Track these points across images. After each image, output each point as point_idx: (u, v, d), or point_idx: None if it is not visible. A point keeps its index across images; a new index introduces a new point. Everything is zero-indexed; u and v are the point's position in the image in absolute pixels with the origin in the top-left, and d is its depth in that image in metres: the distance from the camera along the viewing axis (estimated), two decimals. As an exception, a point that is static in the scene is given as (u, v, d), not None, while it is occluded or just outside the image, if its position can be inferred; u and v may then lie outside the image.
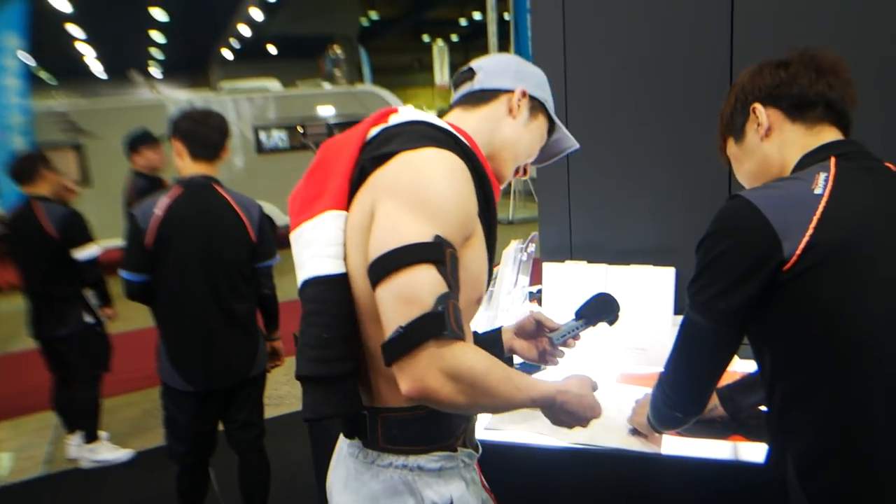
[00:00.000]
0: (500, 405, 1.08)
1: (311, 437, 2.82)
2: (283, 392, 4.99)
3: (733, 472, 1.46)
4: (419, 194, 1.03)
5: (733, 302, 1.09)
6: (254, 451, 2.91)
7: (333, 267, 1.10)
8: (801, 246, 1.04)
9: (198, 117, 2.64)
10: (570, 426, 1.22)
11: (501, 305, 2.18)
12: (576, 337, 1.52)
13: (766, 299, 1.08)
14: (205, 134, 2.61)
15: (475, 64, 1.34)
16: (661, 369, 1.97)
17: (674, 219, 2.19)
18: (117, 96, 13.57)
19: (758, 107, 1.24)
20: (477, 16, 23.53)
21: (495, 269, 2.34)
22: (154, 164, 4.65)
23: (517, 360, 1.63)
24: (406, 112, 1.22)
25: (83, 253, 3.58)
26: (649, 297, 2.07)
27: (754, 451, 1.46)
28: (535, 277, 2.36)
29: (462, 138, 1.17)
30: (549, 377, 1.29)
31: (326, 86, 13.13)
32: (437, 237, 1.00)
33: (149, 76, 26.56)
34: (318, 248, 1.11)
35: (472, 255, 1.12)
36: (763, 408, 1.53)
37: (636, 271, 2.10)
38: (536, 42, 2.53)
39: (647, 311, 2.06)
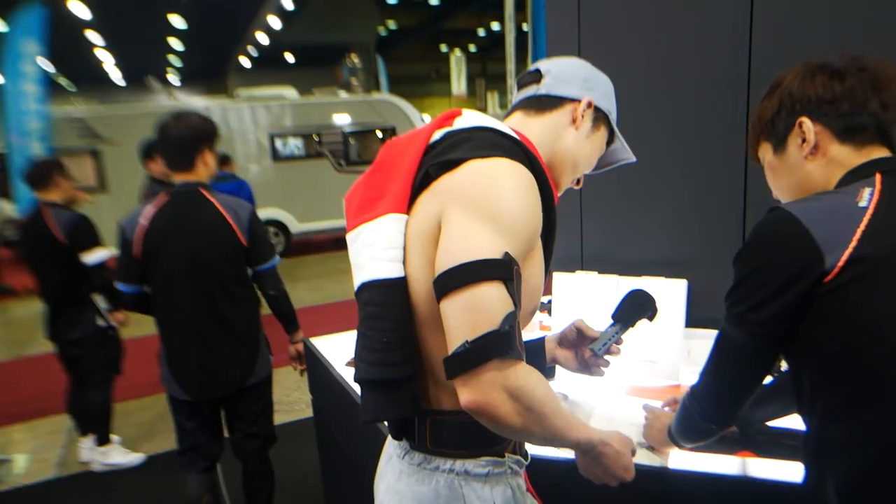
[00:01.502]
0: (548, 436, 1.07)
1: (319, 444, 2.83)
2: (293, 398, 4.99)
3: (741, 487, 1.44)
4: (491, 207, 1.02)
5: (769, 314, 1.06)
6: (257, 461, 2.88)
7: (394, 270, 1.09)
8: (844, 258, 1.00)
9: (164, 128, 2.53)
10: (598, 479, 1.22)
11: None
12: (618, 342, 1.49)
13: (804, 312, 1.04)
14: (174, 145, 2.52)
15: (543, 66, 1.32)
16: (672, 382, 1.97)
17: (687, 231, 2.18)
18: (135, 103, 13.71)
19: (806, 122, 1.17)
20: (495, 26, 23.64)
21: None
22: (166, 171, 4.71)
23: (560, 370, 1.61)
24: (471, 116, 1.20)
25: (91, 257, 3.60)
26: (660, 309, 2.05)
27: (762, 468, 1.45)
28: (546, 288, 2.35)
29: (527, 147, 1.16)
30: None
31: (343, 94, 13.19)
32: (507, 254, 0.99)
33: (167, 83, 26.81)
34: (377, 251, 1.10)
35: (532, 268, 1.12)
36: (772, 423, 1.52)
37: (648, 283, 2.09)
38: (551, 53, 2.53)
39: (658, 324, 2.04)
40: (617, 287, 2.13)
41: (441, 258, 1.02)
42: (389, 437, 1.30)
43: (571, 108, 1.27)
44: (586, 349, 1.50)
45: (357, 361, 1.14)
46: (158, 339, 2.65)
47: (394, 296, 1.09)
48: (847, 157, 1.14)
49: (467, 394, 0.98)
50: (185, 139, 2.51)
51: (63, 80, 23.50)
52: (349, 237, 1.18)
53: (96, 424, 4.00)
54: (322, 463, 2.85)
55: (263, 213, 10.99)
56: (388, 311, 1.09)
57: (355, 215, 1.18)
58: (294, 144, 11.59)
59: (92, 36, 19.86)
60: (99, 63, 24.22)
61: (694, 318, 2.07)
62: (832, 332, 1.03)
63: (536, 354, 1.52)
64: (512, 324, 0.97)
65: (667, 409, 1.63)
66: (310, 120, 11.67)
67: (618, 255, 2.29)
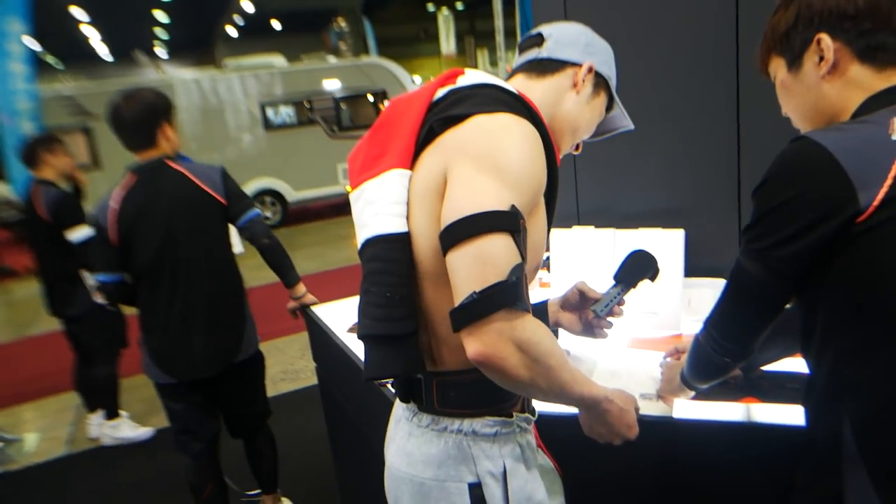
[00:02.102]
0: (555, 390, 1.06)
1: (325, 412, 2.84)
2: (298, 367, 5.03)
3: (746, 433, 1.44)
4: (497, 160, 1.02)
5: (792, 252, 1.01)
6: (256, 437, 2.88)
7: (399, 225, 1.09)
8: (880, 197, 0.94)
9: (116, 110, 2.44)
10: (602, 437, 1.22)
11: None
12: (620, 303, 1.48)
13: (831, 252, 0.99)
14: (130, 124, 2.43)
15: (545, 30, 1.31)
16: (673, 332, 1.97)
17: (682, 181, 2.16)
18: (124, 77, 13.54)
19: (825, 39, 1.07)
20: (482, -18, 23.25)
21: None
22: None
23: (563, 333, 1.61)
24: (474, 75, 1.20)
25: (75, 234, 3.55)
26: (659, 260, 2.04)
27: (767, 413, 1.45)
28: (544, 244, 2.34)
29: (530, 106, 1.16)
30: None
31: (332, 59, 13.07)
32: (513, 207, 0.99)
33: (154, 56, 26.49)
34: (382, 207, 1.10)
35: (536, 224, 1.12)
36: (771, 367, 1.52)
37: (645, 235, 2.08)
38: (536, 7, 2.49)
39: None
40: (614, 241, 2.12)
41: (448, 210, 1.02)
42: (397, 401, 1.30)
43: (573, 73, 1.27)
44: (589, 311, 1.50)
45: (361, 318, 1.14)
46: (138, 324, 2.58)
47: (398, 251, 1.09)
48: (867, 79, 1.07)
49: (474, 345, 0.97)
50: (141, 117, 2.43)
51: (50, 58, 23.21)
52: (352, 196, 1.17)
53: (104, 399, 4.04)
54: (329, 430, 2.87)
55: (258, 184, 10.96)
56: (392, 267, 1.09)
57: (358, 173, 1.17)
58: (285, 113, 11.50)
59: (76, 12, 19.55)
60: (85, 39, 23.88)
61: (692, 268, 2.06)
62: (859, 273, 0.99)
63: (540, 317, 1.50)
64: (519, 275, 0.97)
65: (669, 359, 1.62)
66: (300, 87, 11.56)
67: (614, 209, 2.27)
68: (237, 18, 24.62)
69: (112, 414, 4.06)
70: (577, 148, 1.38)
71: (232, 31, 26.52)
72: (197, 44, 27.23)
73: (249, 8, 22.55)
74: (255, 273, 2.73)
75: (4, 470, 3.97)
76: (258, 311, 2.80)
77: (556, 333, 1.57)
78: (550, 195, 1.18)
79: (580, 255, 2.16)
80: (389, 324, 1.09)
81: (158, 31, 25.68)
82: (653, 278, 1.50)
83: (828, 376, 1.07)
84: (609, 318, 1.49)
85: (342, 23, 19.62)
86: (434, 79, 1.22)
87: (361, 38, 20.89)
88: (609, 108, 1.38)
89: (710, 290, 2.03)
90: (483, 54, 22.68)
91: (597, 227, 2.17)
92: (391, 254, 1.09)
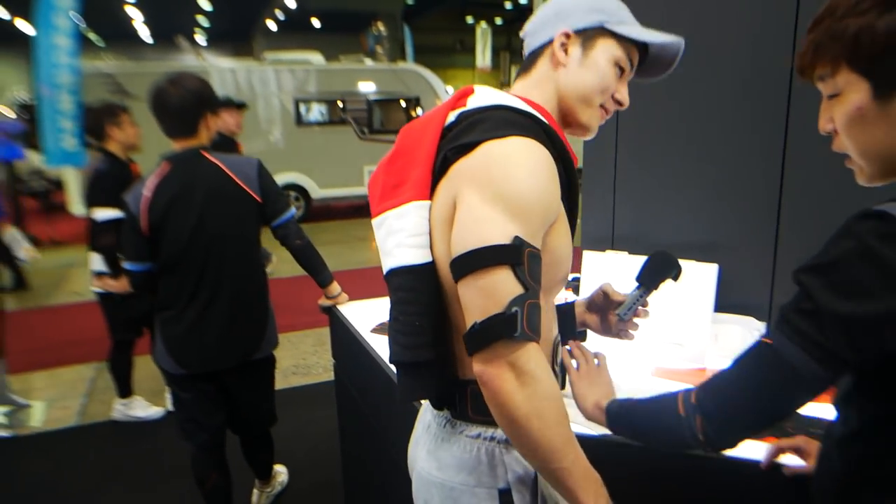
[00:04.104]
0: (543, 442, 1.00)
1: (339, 409, 2.86)
2: (310, 362, 5.06)
3: (763, 474, 1.44)
4: (502, 190, 1.03)
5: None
6: (254, 439, 2.89)
7: (421, 256, 1.13)
8: None
9: (161, 94, 2.42)
10: None
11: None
12: (644, 305, 1.48)
13: None
14: (175, 111, 2.42)
15: (523, 31, 1.31)
16: (698, 366, 1.98)
17: (720, 215, 2.17)
18: (164, 61, 13.70)
19: None
20: (522, -1, 23.34)
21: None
22: (230, 128, 5.02)
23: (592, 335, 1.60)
24: (484, 94, 1.21)
25: (99, 213, 3.44)
26: (690, 292, 2.05)
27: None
28: (575, 266, 2.35)
29: (539, 115, 1.16)
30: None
31: (368, 62, 13.14)
32: (517, 238, 1.01)
33: (194, 43, 26.79)
34: (403, 238, 1.14)
35: (556, 239, 1.13)
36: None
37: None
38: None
39: (687, 307, 2.04)
40: (647, 268, 2.13)
41: (454, 242, 1.06)
42: (425, 406, 1.34)
43: (549, 52, 1.23)
44: (613, 314, 1.50)
45: (391, 344, 1.19)
46: (155, 312, 2.55)
47: (422, 280, 1.14)
48: None
49: (477, 365, 1.02)
50: (187, 104, 2.42)
51: (92, 35, 23.52)
52: (374, 222, 1.21)
53: (116, 380, 4.08)
54: (341, 427, 2.89)
55: (284, 178, 11.03)
56: (417, 296, 1.14)
57: (378, 201, 1.21)
58: (318, 110, 11.58)
59: (121, -8, 19.85)
60: (129, 19, 24.20)
61: (723, 304, 2.07)
62: None
63: (567, 318, 1.53)
64: (520, 306, 1.00)
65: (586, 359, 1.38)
66: (334, 86, 11.64)
67: (649, 236, 2.28)
68: (278, 13, 24.86)
69: (125, 393, 4.11)
70: (607, 112, 1.26)
71: (272, 26, 26.78)
72: (237, 35, 27.53)
73: (291, 4, 22.77)
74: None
75: (14, 434, 4.02)
76: (273, 305, 2.79)
77: (584, 335, 1.58)
78: (571, 204, 1.19)
79: (612, 280, 2.17)
80: (418, 351, 1.15)
81: (200, 18, 25.98)
82: (675, 278, 1.48)
83: (861, 435, 0.97)
84: (635, 320, 1.48)
85: (381, 27, 19.76)
86: (444, 101, 1.24)
87: (398, 44, 21.02)
88: (632, 42, 1.23)
89: (739, 326, 2.04)
90: (517, 70, 22.75)
91: (630, 253, 2.18)
92: (415, 284, 1.14)
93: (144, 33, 27.07)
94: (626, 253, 2.19)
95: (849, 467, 0.99)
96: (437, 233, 1.13)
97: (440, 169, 1.14)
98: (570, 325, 1.53)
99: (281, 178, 10.98)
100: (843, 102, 0.93)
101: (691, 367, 1.97)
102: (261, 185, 2.52)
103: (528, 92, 1.23)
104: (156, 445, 3.83)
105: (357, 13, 22.33)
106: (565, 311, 1.53)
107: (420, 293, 1.14)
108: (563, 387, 1.33)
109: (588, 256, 2.23)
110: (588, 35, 1.21)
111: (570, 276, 2.41)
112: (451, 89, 14.45)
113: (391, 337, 1.20)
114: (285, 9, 23.77)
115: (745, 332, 2.01)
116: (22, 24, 19.67)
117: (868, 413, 0.95)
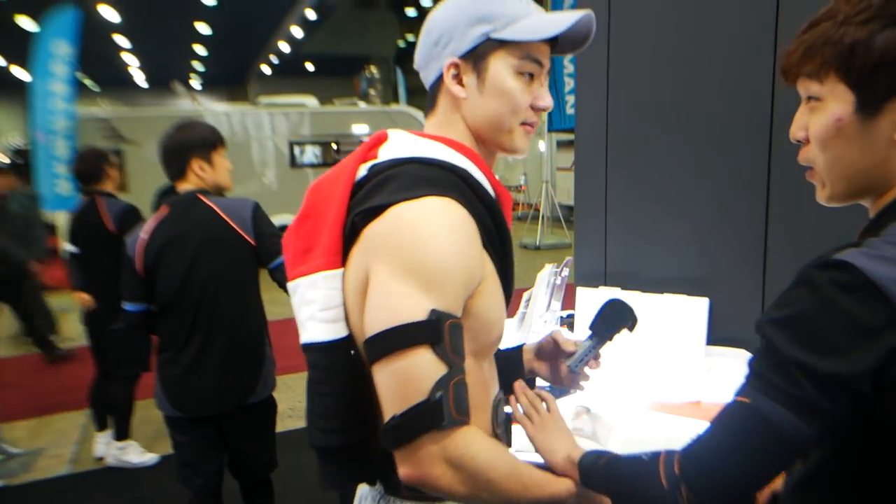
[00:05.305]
0: (501, 501, 0.97)
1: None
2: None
3: None
4: (414, 261, 0.93)
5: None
6: (255, 487, 2.83)
7: (333, 332, 1.02)
8: None
9: (164, 139, 2.54)
10: None
11: (534, 328, 2.19)
12: (596, 357, 1.35)
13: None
14: (164, 154, 2.52)
15: (416, 63, 1.15)
16: (693, 399, 1.98)
17: (710, 251, 2.20)
18: (159, 106, 13.84)
19: None
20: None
21: (528, 292, 2.36)
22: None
23: (541, 382, 1.54)
24: (398, 141, 1.09)
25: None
26: (682, 326, 2.07)
27: None
28: (569, 302, 2.37)
29: (457, 160, 1.05)
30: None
31: (362, 104, 13.30)
32: (434, 312, 0.91)
33: (190, 88, 27.09)
34: (314, 311, 1.03)
35: (484, 302, 1.02)
36: None
37: (669, 300, 2.10)
38: (581, 72, 2.56)
39: (679, 341, 2.06)
40: (640, 304, 2.13)
41: (366, 322, 0.96)
42: None
43: (444, 88, 1.09)
44: (563, 364, 1.37)
45: (308, 425, 1.08)
46: (155, 354, 2.58)
47: (336, 358, 1.03)
48: None
49: (403, 468, 0.93)
50: (172, 149, 2.51)
51: (88, 81, 23.78)
52: (289, 286, 1.08)
53: (117, 418, 4.04)
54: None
55: (279, 219, 10.97)
56: (331, 375, 1.04)
57: (291, 266, 1.09)
58: (312, 152, 11.68)
59: (118, 39, 20.12)
60: (123, 65, 24.50)
61: (715, 337, 2.08)
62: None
63: (514, 364, 1.40)
64: (445, 389, 0.90)
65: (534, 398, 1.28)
66: (328, 129, 11.76)
67: (641, 273, 2.30)
68: (272, 58, 25.21)
69: (122, 435, 4.07)
70: (531, 127, 1.12)
71: (266, 70, 27.12)
72: (232, 79, 27.88)
73: (285, 48, 23.11)
74: (267, 308, 2.74)
75: (5, 484, 3.96)
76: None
77: (532, 382, 1.44)
78: (502, 257, 1.09)
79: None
80: (335, 436, 1.04)
81: (196, 63, 26.31)
82: (631, 328, 1.35)
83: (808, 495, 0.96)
84: (587, 370, 1.37)
85: (374, 70, 20.01)
86: (356, 151, 1.09)
87: (391, 86, 21.28)
88: (531, 45, 1.06)
89: (732, 359, 2.05)
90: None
91: (623, 289, 2.20)
92: (328, 362, 1.03)
93: (140, 78, 27.37)
94: (619, 289, 2.21)
95: None
96: (352, 303, 1.02)
97: (350, 234, 1.02)
98: (518, 372, 1.40)
99: (276, 220, 10.75)
100: (824, 111, 0.89)
101: (686, 400, 1.97)
102: (255, 227, 2.54)
103: (442, 131, 1.11)
104: (149, 493, 3.78)
105: (350, 57, 22.63)
106: (512, 358, 1.41)
107: (334, 372, 1.03)
108: (509, 444, 1.22)
109: (581, 293, 2.24)
110: (478, 55, 1.06)
111: (565, 313, 2.43)
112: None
113: (307, 418, 1.08)
114: (279, 53, 24.11)
115: (737, 364, 2.02)
116: (18, 71, 19.89)
117: (823, 458, 0.92)
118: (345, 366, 1.01)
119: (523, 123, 1.09)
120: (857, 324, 0.78)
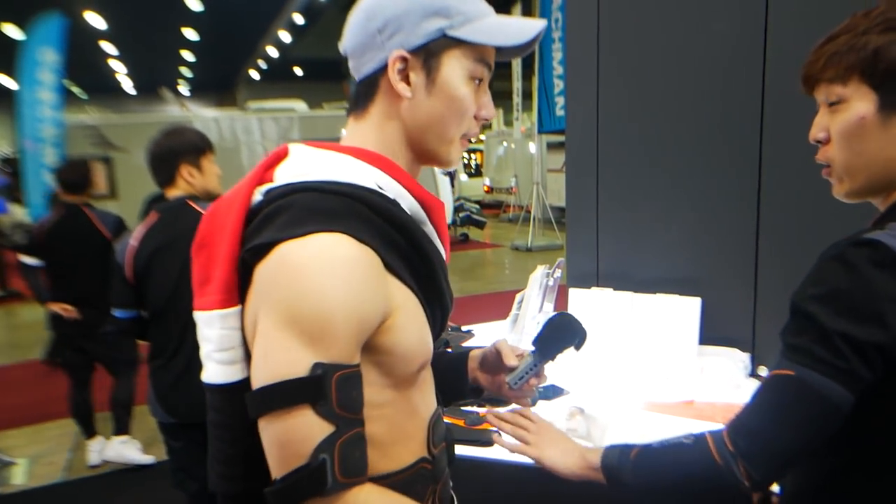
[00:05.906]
0: None
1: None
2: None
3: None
4: (295, 309, 0.83)
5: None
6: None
7: (228, 374, 0.94)
8: None
9: (152, 145, 2.52)
10: None
11: (527, 329, 2.20)
12: (537, 375, 1.22)
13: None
14: (151, 160, 2.52)
15: (342, 46, 1.01)
16: (686, 398, 1.99)
17: (701, 251, 2.22)
18: (147, 112, 13.81)
19: None
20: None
21: (520, 294, 2.38)
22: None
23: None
24: (297, 160, 0.97)
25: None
26: (674, 326, 2.09)
27: None
28: (561, 303, 2.39)
29: (360, 182, 0.92)
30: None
31: (351, 108, 13.29)
32: (318, 366, 0.82)
33: (178, 94, 27.01)
34: (210, 351, 0.95)
35: (396, 336, 0.92)
36: None
37: (662, 300, 2.12)
38: (570, 73, 2.58)
39: (672, 341, 2.07)
40: (632, 304, 2.16)
41: (251, 374, 0.88)
42: None
43: (385, 83, 0.96)
44: (504, 378, 1.24)
45: (208, 468, 1.01)
46: (147, 360, 2.58)
47: (232, 402, 0.93)
48: None
49: None
50: (161, 155, 2.51)
51: (76, 89, 23.69)
52: (194, 315, 0.99)
53: (119, 413, 4.04)
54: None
55: (271, 225, 11.04)
56: (227, 419, 0.96)
57: (194, 294, 0.99)
58: (302, 157, 11.67)
59: (105, 46, 20.05)
60: (111, 72, 24.41)
61: (707, 336, 2.10)
62: None
63: (457, 373, 1.29)
64: (328, 452, 0.82)
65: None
66: (318, 133, 11.74)
67: (633, 273, 2.32)
68: (261, 63, 25.17)
69: (123, 429, 4.06)
70: (475, 132, 1.03)
71: (255, 75, 27.09)
72: (220, 85, 27.82)
73: (274, 53, 23.08)
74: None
75: (0, 492, 3.94)
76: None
77: (479, 391, 1.31)
78: (426, 276, 0.98)
79: (597, 317, 2.20)
80: (232, 482, 0.97)
81: (184, 69, 26.25)
82: (578, 347, 1.22)
83: (828, 480, 1.01)
84: (527, 388, 1.24)
85: (363, 74, 19.95)
86: (253, 171, 0.97)
87: (381, 91, 21.29)
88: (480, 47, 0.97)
89: (724, 358, 2.07)
90: (499, 114, 23.08)
91: (615, 289, 2.21)
92: (225, 405, 0.96)
93: (128, 85, 27.29)
94: (611, 289, 2.22)
95: None
96: (251, 344, 0.91)
97: (243, 272, 0.92)
98: (461, 382, 1.29)
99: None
100: (847, 111, 0.97)
101: (679, 400, 1.99)
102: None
103: (365, 138, 0.99)
104: (143, 499, 3.76)
105: (338, 61, 22.04)
106: (454, 366, 1.29)
107: (231, 415, 0.94)
108: (451, 462, 1.13)
109: (574, 294, 2.26)
110: (430, 52, 0.94)
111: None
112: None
113: (208, 461, 1.01)
114: (268, 58, 24.09)
115: (730, 363, 2.04)
116: (5, 80, 19.79)
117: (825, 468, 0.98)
118: (243, 410, 0.88)
119: (463, 136, 1.00)
120: (891, 295, 0.86)
